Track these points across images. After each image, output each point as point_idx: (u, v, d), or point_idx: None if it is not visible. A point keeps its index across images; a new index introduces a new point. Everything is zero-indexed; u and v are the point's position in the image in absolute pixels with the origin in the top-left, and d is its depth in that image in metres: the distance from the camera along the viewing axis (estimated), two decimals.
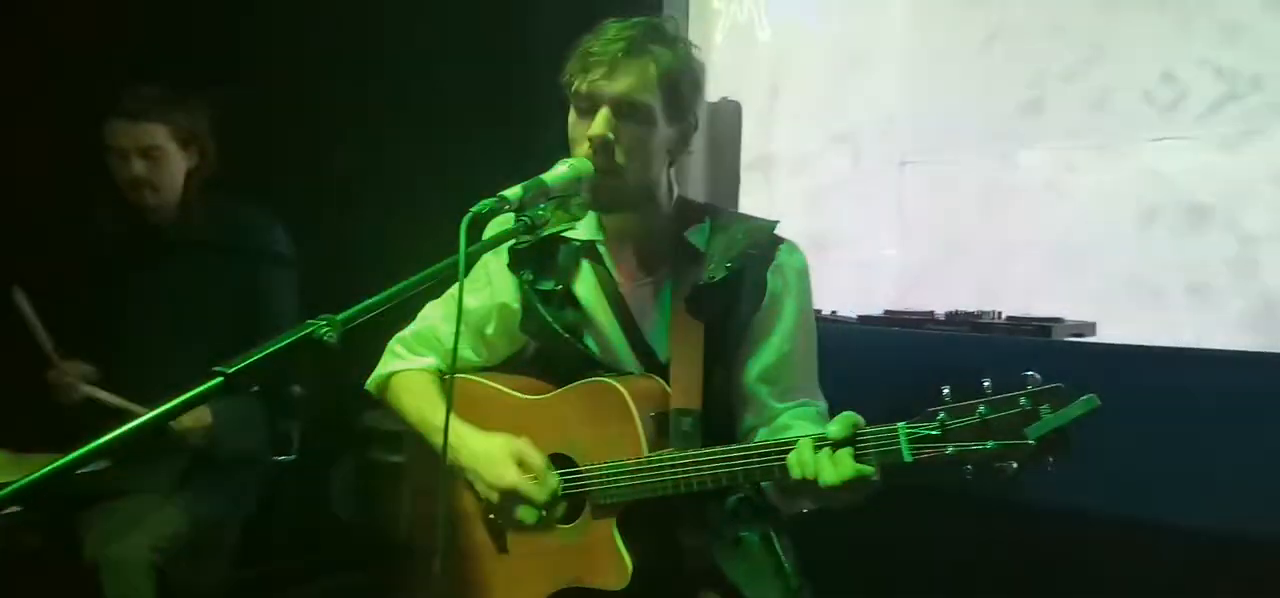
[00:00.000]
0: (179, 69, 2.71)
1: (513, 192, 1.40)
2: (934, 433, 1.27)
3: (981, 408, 1.24)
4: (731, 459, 1.47)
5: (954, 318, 2.71)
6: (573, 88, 1.61)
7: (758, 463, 1.45)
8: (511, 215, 1.42)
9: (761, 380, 1.67)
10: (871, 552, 2.43)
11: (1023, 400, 1.22)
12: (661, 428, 1.59)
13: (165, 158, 2.49)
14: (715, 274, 1.64)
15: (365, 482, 3.16)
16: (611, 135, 1.56)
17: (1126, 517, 2.21)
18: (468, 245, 1.29)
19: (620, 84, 1.56)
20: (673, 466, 1.51)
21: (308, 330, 1.08)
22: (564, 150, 1.62)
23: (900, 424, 1.30)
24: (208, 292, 2.52)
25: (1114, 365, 2.36)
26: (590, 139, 1.56)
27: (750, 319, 1.67)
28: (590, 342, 1.73)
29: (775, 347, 1.67)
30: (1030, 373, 1.23)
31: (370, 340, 1.69)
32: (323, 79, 3.30)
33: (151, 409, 1.02)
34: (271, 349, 1.05)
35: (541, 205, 1.44)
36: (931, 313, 2.76)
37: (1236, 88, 2.88)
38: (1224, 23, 2.90)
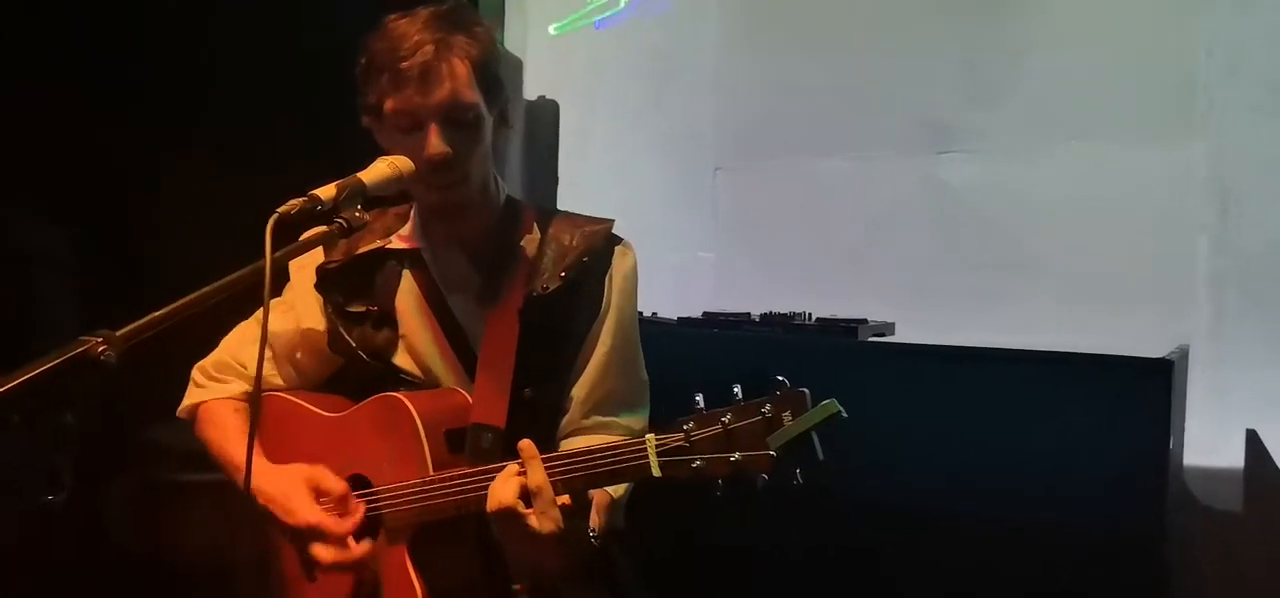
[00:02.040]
0: None
1: (325, 191, 1.27)
2: (682, 445, 1.22)
3: (726, 418, 1.19)
4: (487, 477, 1.36)
5: (768, 319, 2.79)
6: (388, 108, 1.47)
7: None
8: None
9: (578, 387, 1.61)
10: (693, 547, 2.48)
11: (766, 408, 1.18)
12: (456, 444, 1.48)
13: None
14: (548, 284, 1.57)
15: (150, 504, 2.87)
16: (450, 149, 1.46)
17: (924, 505, 2.34)
18: (274, 250, 1.17)
19: (441, 91, 1.45)
20: (449, 485, 1.41)
21: (81, 348, 0.94)
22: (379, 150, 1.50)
23: (650, 436, 1.25)
24: None
25: (912, 364, 2.50)
26: (427, 160, 1.45)
27: (588, 329, 1.60)
28: (405, 360, 1.61)
29: (589, 354, 1.61)
30: (780, 378, 1.19)
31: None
32: (104, 60, 2.91)
33: None
34: (37, 371, 0.90)
35: (359, 207, 1.31)
36: (748, 314, 2.83)
37: (1019, 106, 3.17)
38: (1010, 45, 3.18)
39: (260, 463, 1.54)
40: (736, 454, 1.19)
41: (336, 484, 1.49)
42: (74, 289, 2.32)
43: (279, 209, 1.21)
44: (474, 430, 1.50)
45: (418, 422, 1.46)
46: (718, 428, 1.20)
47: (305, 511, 1.47)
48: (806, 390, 1.18)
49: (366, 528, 1.51)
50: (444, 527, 1.45)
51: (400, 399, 1.49)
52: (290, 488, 1.49)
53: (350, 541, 1.46)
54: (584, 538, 1.41)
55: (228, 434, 1.62)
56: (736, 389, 1.21)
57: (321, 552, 1.46)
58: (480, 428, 1.50)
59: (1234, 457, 2.69)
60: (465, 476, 1.40)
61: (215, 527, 1.85)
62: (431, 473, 1.44)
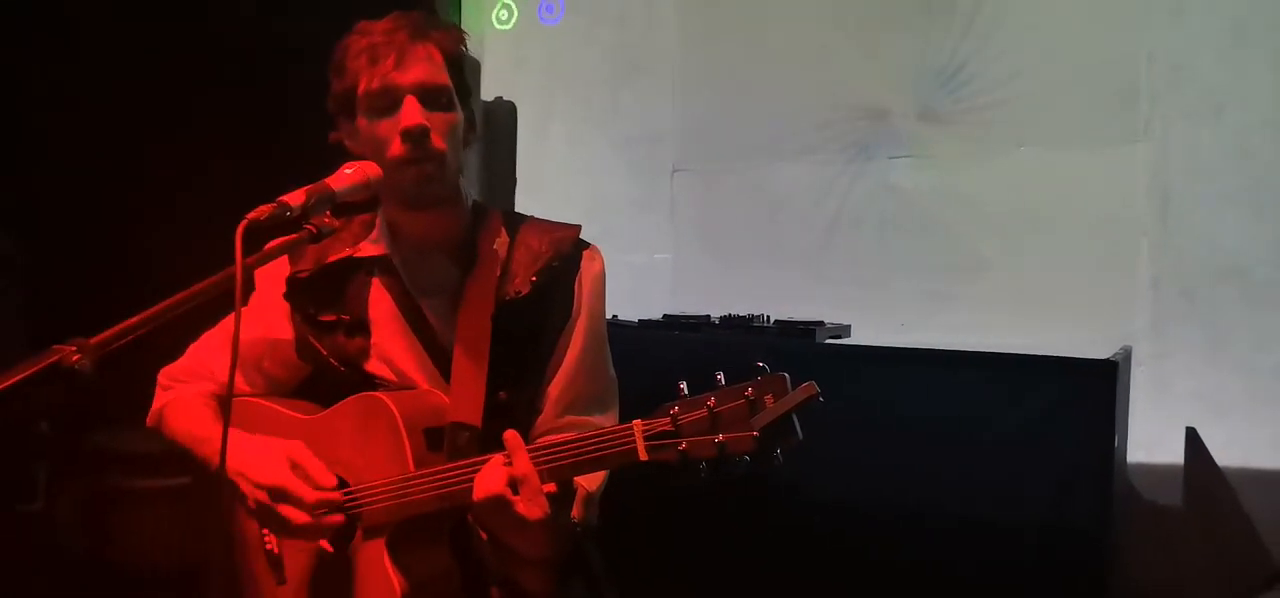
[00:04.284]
0: None
1: (294, 197, 1.27)
2: (668, 429, 1.24)
3: (711, 401, 1.22)
4: (471, 469, 1.37)
5: (728, 322, 2.82)
6: (362, 89, 1.49)
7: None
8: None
9: (551, 389, 1.62)
10: (654, 546, 2.50)
11: (749, 391, 1.21)
12: (435, 443, 1.49)
13: None
14: (520, 289, 1.58)
15: (101, 511, 2.80)
16: (426, 123, 1.47)
17: (877, 502, 2.40)
18: (244, 257, 1.16)
19: (416, 71, 1.48)
20: (432, 479, 1.42)
21: (55, 357, 0.93)
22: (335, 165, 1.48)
23: (636, 421, 1.28)
24: None
25: (867, 366, 2.56)
26: (405, 132, 1.46)
27: (559, 332, 1.61)
28: (378, 366, 1.60)
29: (562, 357, 1.62)
30: (761, 364, 1.23)
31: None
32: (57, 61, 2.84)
33: None
34: (10, 381, 0.89)
35: (329, 213, 1.31)
36: (708, 317, 2.87)
37: (969, 113, 3.25)
38: (960, 55, 3.25)
39: (240, 434, 1.52)
40: (721, 436, 1.21)
41: (315, 462, 1.46)
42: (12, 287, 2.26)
43: (248, 215, 1.20)
44: (452, 429, 1.50)
45: (398, 419, 1.46)
46: (703, 411, 1.22)
47: (279, 473, 1.44)
48: (786, 374, 1.21)
49: (345, 528, 1.51)
50: (422, 525, 1.45)
51: (381, 398, 1.49)
52: (269, 452, 1.47)
53: (319, 509, 1.44)
54: (569, 527, 1.43)
55: (195, 418, 1.61)
56: (719, 375, 1.24)
57: (290, 512, 1.44)
58: (458, 427, 1.50)
59: (1174, 454, 2.80)
60: (449, 469, 1.41)
61: (178, 533, 1.82)
62: (412, 470, 1.44)
